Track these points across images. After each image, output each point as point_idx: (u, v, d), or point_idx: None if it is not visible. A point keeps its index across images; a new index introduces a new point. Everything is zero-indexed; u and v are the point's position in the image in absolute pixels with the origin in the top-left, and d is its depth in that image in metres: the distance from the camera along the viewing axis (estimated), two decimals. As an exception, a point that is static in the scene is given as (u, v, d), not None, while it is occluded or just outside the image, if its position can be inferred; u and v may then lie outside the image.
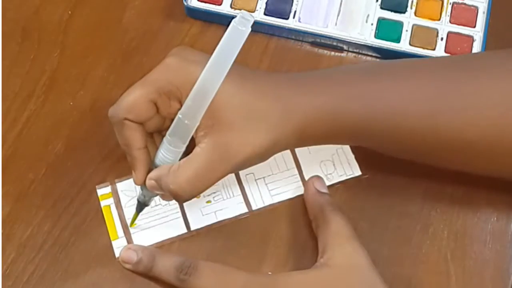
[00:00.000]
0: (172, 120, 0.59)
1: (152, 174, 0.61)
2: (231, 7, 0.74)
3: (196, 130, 0.59)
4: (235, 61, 0.55)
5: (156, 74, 0.60)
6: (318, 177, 0.67)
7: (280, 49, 0.74)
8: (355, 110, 0.60)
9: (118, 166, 0.69)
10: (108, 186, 0.68)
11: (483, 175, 0.65)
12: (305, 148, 0.69)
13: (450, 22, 0.74)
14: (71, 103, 0.71)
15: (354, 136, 0.62)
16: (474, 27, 0.74)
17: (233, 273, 0.62)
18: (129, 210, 0.67)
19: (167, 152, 0.60)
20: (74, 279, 0.65)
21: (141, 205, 0.65)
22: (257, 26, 0.74)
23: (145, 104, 0.60)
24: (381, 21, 0.74)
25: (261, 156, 0.60)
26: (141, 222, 0.67)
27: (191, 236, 0.67)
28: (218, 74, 0.55)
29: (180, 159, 0.60)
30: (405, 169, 0.68)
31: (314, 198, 0.66)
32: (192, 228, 0.67)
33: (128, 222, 0.67)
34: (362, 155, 0.69)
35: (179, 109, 0.58)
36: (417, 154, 0.63)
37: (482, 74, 0.62)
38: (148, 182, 0.61)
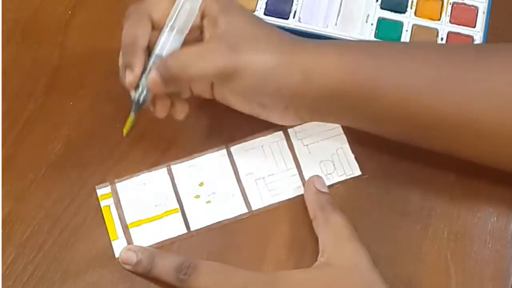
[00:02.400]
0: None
1: (158, 64, 0.62)
2: (231, 7, 0.74)
3: (206, 29, 0.62)
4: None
5: None
6: (318, 176, 0.67)
7: (280, 49, 0.74)
8: (367, 63, 0.62)
9: (118, 166, 0.69)
10: (108, 186, 0.68)
11: (484, 163, 0.64)
12: (305, 147, 0.69)
13: (450, 22, 0.74)
14: (71, 103, 0.71)
15: (361, 91, 0.62)
16: (474, 27, 0.74)
17: (232, 272, 0.62)
18: (129, 210, 0.67)
19: (171, 40, 0.61)
20: (74, 279, 0.65)
21: (138, 105, 0.64)
22: (257, 26, 0.74)
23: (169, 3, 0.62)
24: (381, 21, 0.74)
25: (263, 74, 0.62)
26: (141, 223, 0.67)
27: (191, 237, 0.67)
28: None
29: None
30: (405, 169, 0.68)
31: (315, 198, 0.66)
32: (192, 228, 0.67)
33: (128, 222, 0.67)
34: (362, 155, 0.69)
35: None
36: (419, 130, 0.63)
37: (495, 56, 0.62)
38: (152, 74, 0.61)
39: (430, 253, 0.66)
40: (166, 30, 0.61)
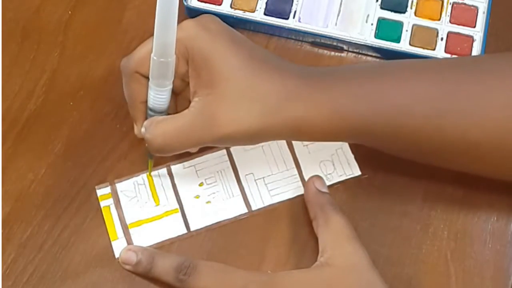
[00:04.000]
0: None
1: (144, 123, 0.63)
2: (231, 7, 0.74)
3: (192, 96, 0.61)
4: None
5: None
6: (318, 176, 0.67)
7: (280, 49, 0.74)
8: (359, 109, 0.60)
9: (118, 166, 0.69)
10: (107, 186, 0.68)
11: (486, 177, 0.65)
12: (305, 148, 0.69)
13: (450, 22, 0.74)
14: (71, 103, 0.71)
15: (356, 134, 0.62)
16: (474, 27, 0.74)
17: (232, 272, 0.62)
18: (129, 211, 0.67)
19: (157, 93, 0.62)
20: (74, 279, 0.65)
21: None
22: (257, 26, 0.74)
23: None
24: (381, 21, 0.74)
25: (248, 137, 0.61)
26: (141, 223, 0.67)
27: (191, 237, 0.67)
28: (170, 6, 0.56)
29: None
30: (405, 169, 0.68)
31: (315, 198, 0.66)
32: (192, 228, 0.67)
33: (128, 222, 0.67)
34: (361, 155, 0.69)
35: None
36: (421, 154, 0.63)
37: (489, 76, 0.62)
38: (141, 130, 0.63)
39: (430, 253, 0.66)
40: (150, 85, 0.62)
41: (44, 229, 0.66)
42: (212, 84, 0.60)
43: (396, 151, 0.64)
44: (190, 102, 0.62)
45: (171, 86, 0.62)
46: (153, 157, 0.67)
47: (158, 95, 0.62)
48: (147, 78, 0.62)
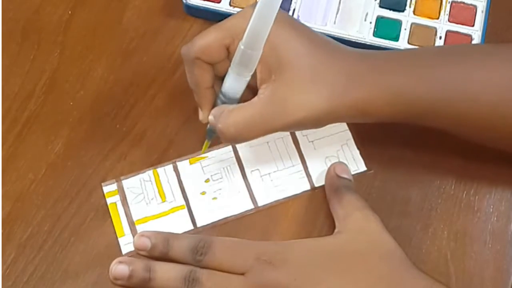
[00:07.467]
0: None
1: (213, 110, 0.63)
2: (230, 4, 0.74)
3: (260, 82, 0.61)
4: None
5: (233, 20, 0.62)
6: (340, 163, 0.68)
7: (280, 48, 0.74)
8: (423, 92, 0.61)
9: (118, 166, 0.69)
10: (114, 183, 0.68)
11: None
12: (310, 144, 0.70)
13: (448, 21, 0.74)
14: (71, 103, 0.71)
15: (418, 118, 0.63)
16: (473, 26, 0.74)
17: (244, 245, 0.63)
18: (136, 207, 0.68)
19: (234, 81, 0.62)
20: (74, 279, 0.65)
21: (210, 133, 0.66)
22: (256, 26, 0.74)
23: (217, 48, 0.62)
24: (379, 19, 0.74)
25: (316, 121, 0.62)
26: (148, 219, 0.67)
27: (198, 233, 0.67)
28: (274, 2, 0.55)
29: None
30: (406, 169, 0.68)
31: (331, 181, 0.67)
32: (198, 225, 0.67)
33: (135, 219, 0.67)
34: (365, 152, 0.69)
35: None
36: (483, 139, 0.64)
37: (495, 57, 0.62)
38: (209, 117, 0.63)
39: (430, 253, 0.66)
40: (230, 72, 0.61)
41: (44, 229, 0.67)
42: (279, 70, 0.60)
43: (461, 135, 0.64)
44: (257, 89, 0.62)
45: (249, 78, 0.62)
46: (211, 139, 0.66)
47: (236, 83, 0.62)
48: (210, 64, 0.62)
